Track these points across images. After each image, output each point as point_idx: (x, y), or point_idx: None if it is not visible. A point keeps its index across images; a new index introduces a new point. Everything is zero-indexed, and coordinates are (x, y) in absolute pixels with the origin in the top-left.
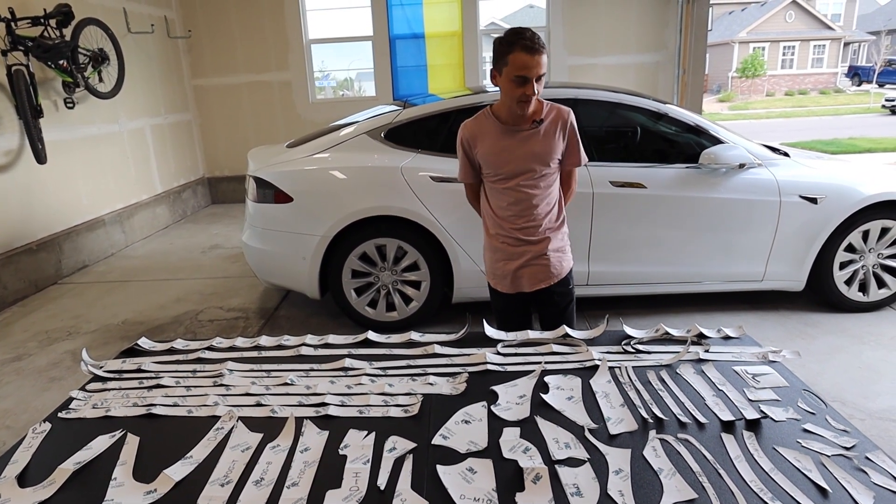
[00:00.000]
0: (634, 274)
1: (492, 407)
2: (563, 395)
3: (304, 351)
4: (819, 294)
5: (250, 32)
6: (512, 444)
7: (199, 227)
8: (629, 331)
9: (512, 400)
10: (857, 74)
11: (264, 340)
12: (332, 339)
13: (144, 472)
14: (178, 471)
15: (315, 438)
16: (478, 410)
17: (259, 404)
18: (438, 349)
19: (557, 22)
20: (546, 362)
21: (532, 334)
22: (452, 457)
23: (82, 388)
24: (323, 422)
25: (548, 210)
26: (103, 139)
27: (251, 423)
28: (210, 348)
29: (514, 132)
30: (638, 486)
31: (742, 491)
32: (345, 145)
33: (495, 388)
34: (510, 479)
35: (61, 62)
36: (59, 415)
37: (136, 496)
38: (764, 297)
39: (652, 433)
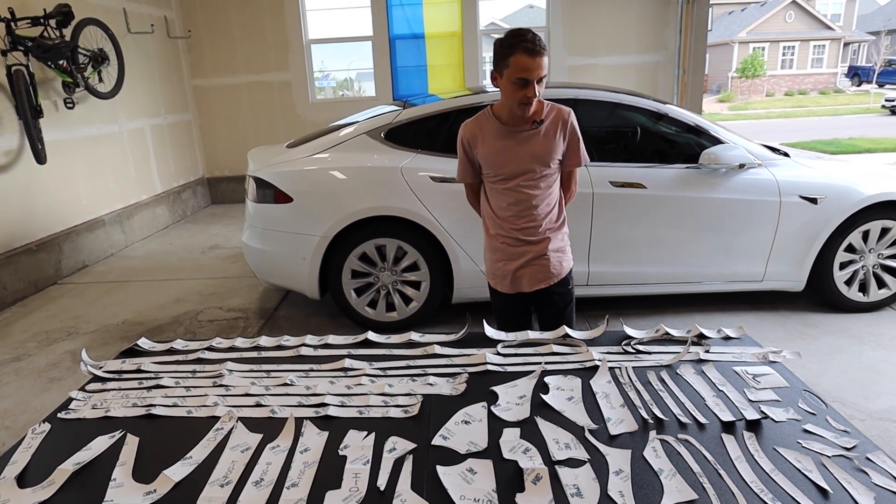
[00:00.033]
0: (634, 274)
1: (492, 407)
2: (564, 395)
3: (304, 351)
4: (819, 294)
5: (250, 32)
6: (512, 444)
7: (199, 227)
8: (629, 331)
9: (512, 400)
10: (857, 74)
11: (264, 341)
12: (331, 339)
13: (144, 472)
14: (177, 471)
15: (315, 439)
16: (478, 411)
17: (259, 405)
18: (438, 349)
19: (557, 22)
20: (546, 363)
21: (532, 335)
22: (452, 457)
23: (82, 389)
24: (323, 422)
25: (548, 210)
26: (103, 139)
27: (251, 424)
28: (210, 349)
29: (514, 133)
30: (638, 487)
31: (742, 491)
32: (345, 145)
33: (495, 388)
34: (510, 479)
35: (61, 62)
36: (59, 415)
37: (136, 497)
38: (764, 297)
39: (652, 434)
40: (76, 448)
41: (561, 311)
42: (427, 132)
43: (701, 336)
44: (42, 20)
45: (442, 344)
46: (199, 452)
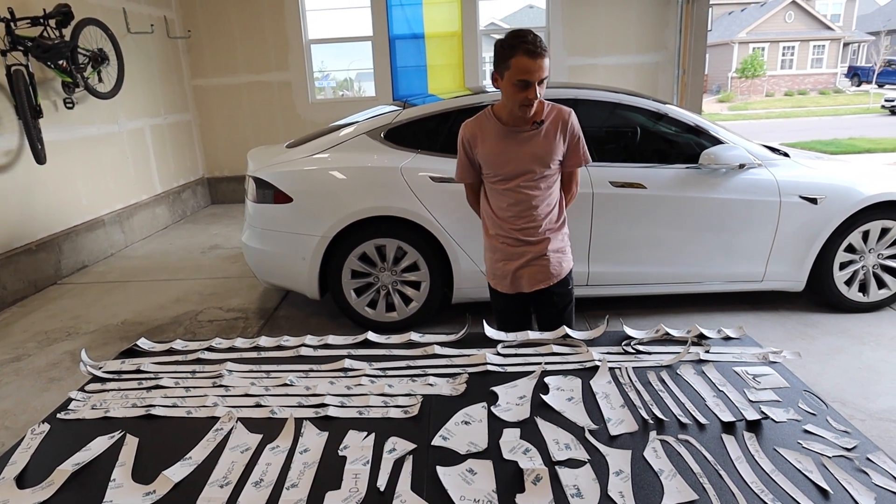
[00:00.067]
0: (634, 274)
1: (492, 408)
2: (564, 395)
3: (304, 351)
4: (819, 294)
5: (250, 33)
6: (512, 445)
7: (199, 227)
8: (629, 331)
9: (512, 401)
10: (857, 75)
11: (264, 341)
12: (331, 339)
13: (143, 473)
14: (177, 472)
15: (314, 439)
16: (478, 411)
17: (258, 405)
18: (438, 350)
19: (557, 22)
20: (546, 363)
21: (532, 335)
22: (452, 458)
23: (81, 389)
24: (322, 423)
25: (548, 211)
26: (103, 139)
27: (250, 424)
28: (209, 349)
29: (514, 133)
30: (638, 488)
31: (743, 492)
32: (344, 145)
33: (495, 388)
34: (510, 480)
35: (61, 62)
36: (58, 415)
37: (136, 497)
38: (764, 297)
39: (652, 434)
40: (76, 448)
41: (560, 311)
42: (427, 132)
43: (701, 336)
44: (42, 20)
45: (442, 344)
46: (198, 453)
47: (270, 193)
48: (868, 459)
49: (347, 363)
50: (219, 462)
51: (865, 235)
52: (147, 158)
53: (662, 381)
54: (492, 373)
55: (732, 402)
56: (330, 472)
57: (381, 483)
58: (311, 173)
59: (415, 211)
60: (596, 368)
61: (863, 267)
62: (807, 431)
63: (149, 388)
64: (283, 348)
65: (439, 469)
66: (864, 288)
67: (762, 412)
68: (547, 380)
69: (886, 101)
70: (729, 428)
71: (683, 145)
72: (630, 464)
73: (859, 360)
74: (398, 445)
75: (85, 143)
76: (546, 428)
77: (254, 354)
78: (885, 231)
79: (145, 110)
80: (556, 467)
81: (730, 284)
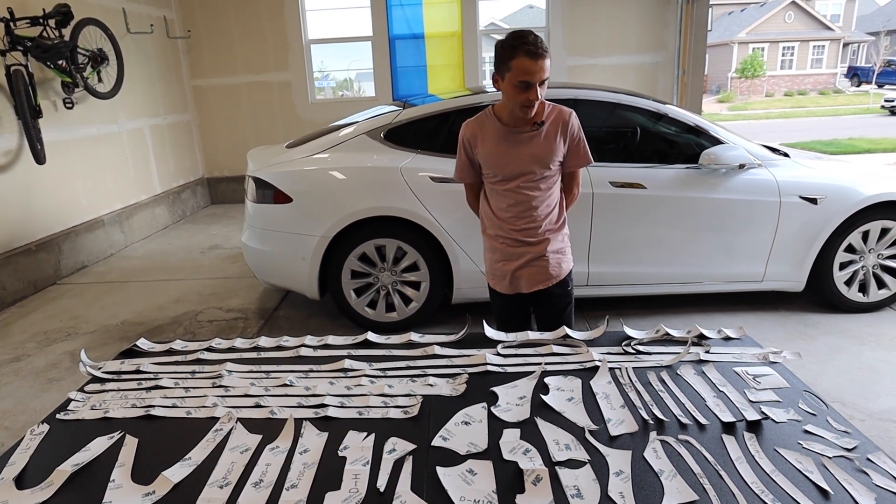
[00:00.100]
0: (634, 274)
1: (492, 408)
2: (564, 396)
3: (304, 352)
4: (819, 294)
5: (250, 33)
6: (512, 445)
7: (199, 227)
8: (629, 331)
9: (512, 401)
10: (857, 75)
11: (263, 341)
12: (331, 339)
13: (143, 473)
14: (176, 472)
15: (314, 440)
16: (478, 412)
17: (258, 405)
18: (438, 350)
19: (557, 22)
20: (546, 363)
21: (532, 335)
22: (452, 458)
23: (81, 390)
24: (322, 423)
25: (548, 212)
26: (102, 139)
27: (250, 425)
28: (209, 349)
29: (515, 134)
30: (639, 488)
31: (743, 492)
32: (344, 146)
33: (495, 389)
34: (510, 480)
35: (60, 62)
36: (58, 416)
37: (135, 498)
38: (764, 297)
39: (652, 434)
40: (75, 449)
41: (560, 312)
42: (427, 132)
43: (701, 336)
44: (41, 20)
45: (442, 344)
46: (198, 453)
47: (270, 193)
48: (868, 460)
49: (347, 363)
50: (218, 462)
51: (865, 235)
52: (147, 158)
53: (662, 382)
54: (492, 373)
55: (732, 403)
56: (330, 472)
57: (381, 483)
58: (311, 173)
59: (415, 211)
60: (596, 369)
61: (863, 267)
62: (807, 432)
63: (148, 389)
64: (282, 349)
65: (439, 469)
66: (863, 288)
67: (762, 412)
68: (547, 380)
69: (886, 101)
70: (729, 428)
71: (683, 145)
72: (630, 464)
73: (859, 361)
74: (398, 446)
75: (84, 143)
76: (546, 428)
77: (253, 355)
78: (884, 231)
79: (145, 110)
80: (557, 468)
81: (730, 284)
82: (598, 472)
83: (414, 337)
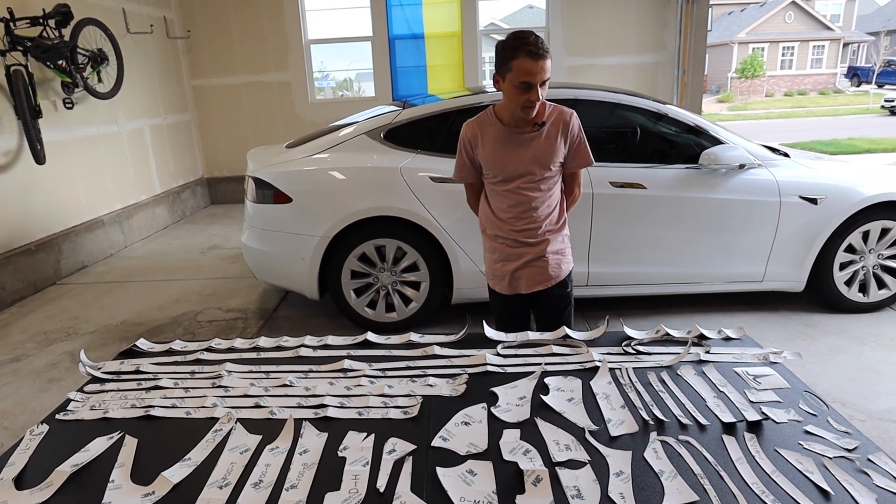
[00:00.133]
0: (634, 274)
1: (492, 408)
2: (564, 396)
3: (303, 352)
4: (819, 295)
5: (249, 33)
6: (512, 445)
7: (199, 227)
8: (629, 332)
9: (512, 401)
10: (857, 75)
11: (263, 341)
12: (331, 340)
13: (142, 474)
14: (176, 473)
15: (314, 440)
16: (478, 412)
17: (258, 406)
18: (438, 350)
19: (557, 22)
20: (546, 363)
21: (532, 335)
22: (452, 459)
23: (80, 390)
24: (322, 423)
25: (548, 213)
26: (102, 140)
27: (250, 425)
28: (209, 349)
29: (515, 135)
30: (639, 489)
31: (743, 493)
32: (344, 146)
33: (495, 389)
34: (510, 481)
35: (60, 62)
36: (57, 416)
37: (134, 498)
38: (764, 297)
39: (653, 435)
40: (74, 449)
41: (559, 313)
42: (427, 132)
43: (701, 337)
44: (41, 20)
45: (441, 345)
46: (197, 454)
47: (270, 193)
48: (869, 460)
49: (347, 364)
50: (218, 463)
51: (865, 236)
52: (146, 159)
53: (663, 382)
54: (492, 373)
55: (733, 403)
56: (329, 473)
57: (381, 484)
58: (311, 173)
59: (414, 211)
60: (596, 369)
61: (863, 267)
62: (807, 432)
63: (148, 389)
64: (282, 349)
65: (439, 470)
66: (864, 288)
67: (763, 413)
68: (547, 380)
69: (886, 101)
70: (729, 429)
71: (683, 145)
72: (630, 465)
73: (859, 361)
74: (398, 446)
75: (84, 143)
76: (546, 429)
77: (253, 355)
78: (885, 231)
79: (145, 110)
80: (557, 468)
81: (730, 285)
82: (599, 473)
83: (414, 337)
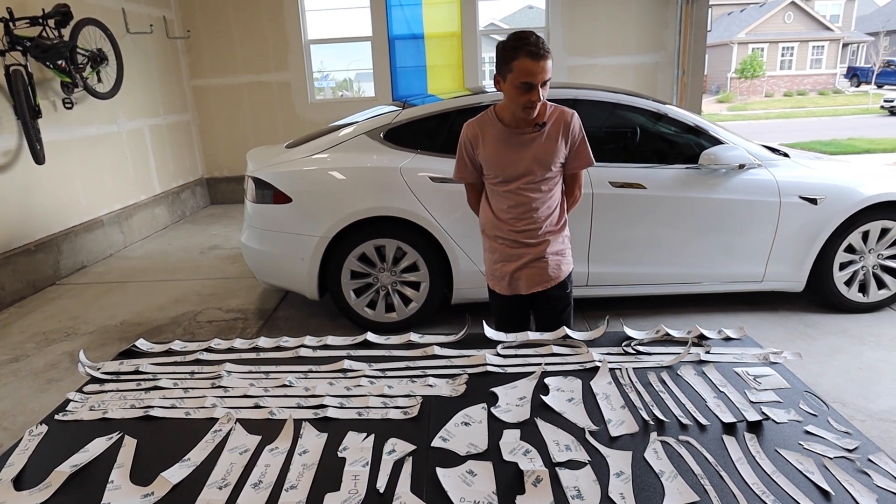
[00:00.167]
0: (634, 275)
1: (492, 409)
2: (564, 396)
3: (303, 352)
4: (819, 295)
5: (249, 33)
6: (512, 446)
7: (198, 227)
8: (629, 332)
9: (512, 402)
10: (856, 75)
11: (263, 342)
12: (330, 340)
13: (142, 474)
14: (175, 473)
15: (314, 440)
16: (478, 412)
17: (257, 406)
18: (438, 350)
19: (557, 22)
20: (546, 364)
21: (532, 335)
22: (452, 459)
23: (79, 390)
24: (322, 424)
25: (548, 213)
26: (102, 140)
27: (249, 426)
28: (208, 349)
29: (516, 135)
30: (639, 489)
31: (744, 493)
32: (344, 146)
33: (495, 389)
34: (510, 481)
35: (60, 62)
36: (56, 417)
37: (134, 499)
38: (764, 297)
39: (653, 435)
40: (73, 450)
41: (559, 314)
42: (426, 132)
43: (701, 337)
44: (41, 20)
45: (441, 345)
46: (197, 454)
47: (270, 194)
48: (869, 460)
49: (347, 364)
50: (217, 463)
51: (865, 236)
52: (146, 159)
53: (663, 382)
54: (491, 374)
55: (733, 403)
56: (329, 473)
57: (381, 484)
58: (311, 173)
59: (414, 211)
60: (596, 369)
61: (863, 267)
62: (808, 432)
63: (147, 389)
64: (282, 349)
65: (439, 470)
66: (863, 288)
67: (763, 413)
68: (547, 381)
69: (885, 101)
70: (730, 429)
71: (683, 145)
72: (631, 465)
73: (859, 361)
74: (398, 447)
75: (84, 143)
76: (546, 429)
77: (253, 355)
78: (884, 231)
79: (144, 110)
80: (557, 468)
81: (730, 285)
82: (599, 473)
83: (413, 337)
